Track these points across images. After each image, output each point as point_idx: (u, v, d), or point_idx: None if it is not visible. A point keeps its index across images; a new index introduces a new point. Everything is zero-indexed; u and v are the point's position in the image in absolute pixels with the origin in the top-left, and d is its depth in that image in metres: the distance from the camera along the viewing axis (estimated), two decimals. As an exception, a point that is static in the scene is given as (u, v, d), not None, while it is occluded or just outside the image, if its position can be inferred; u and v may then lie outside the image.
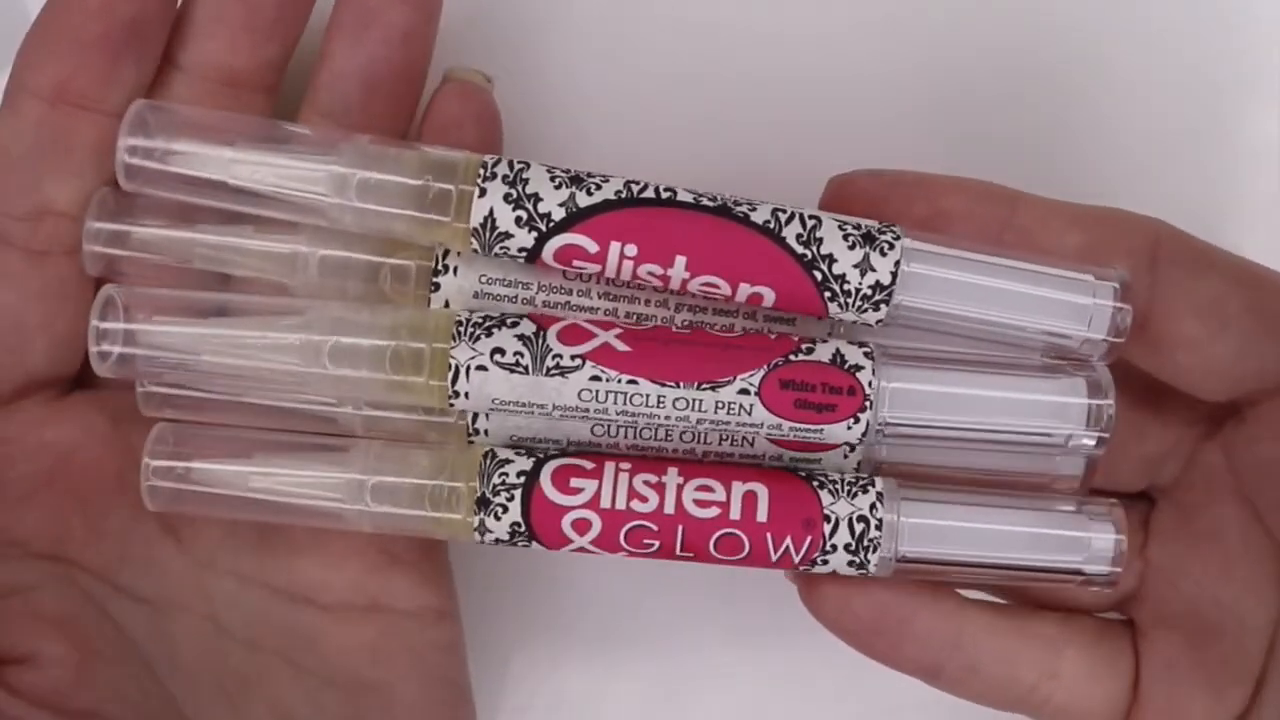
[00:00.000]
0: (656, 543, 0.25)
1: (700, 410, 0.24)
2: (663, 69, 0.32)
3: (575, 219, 0.24)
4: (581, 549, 0.25)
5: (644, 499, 0.25)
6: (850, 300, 0.24)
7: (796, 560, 0.25)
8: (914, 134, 0.32)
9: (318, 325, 0.25)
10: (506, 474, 0.25)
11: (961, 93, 0.32)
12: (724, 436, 0.26)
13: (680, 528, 0.25)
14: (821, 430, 0.25)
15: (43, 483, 0.26)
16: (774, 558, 0.25)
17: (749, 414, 0.24)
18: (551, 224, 0.24)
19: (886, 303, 0.24)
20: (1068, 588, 0.27)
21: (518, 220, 0.24)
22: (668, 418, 0.24)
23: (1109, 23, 0.33)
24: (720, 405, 0.24)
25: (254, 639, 0.27)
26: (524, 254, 0.24)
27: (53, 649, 0.25)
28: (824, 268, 0.24)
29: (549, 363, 0.24)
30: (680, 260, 0.24)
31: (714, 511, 0.25)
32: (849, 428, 0.25)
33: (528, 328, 0.24)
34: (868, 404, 0.24)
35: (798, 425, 0.24)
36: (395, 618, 0.28)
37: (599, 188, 0.24)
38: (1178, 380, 0.26)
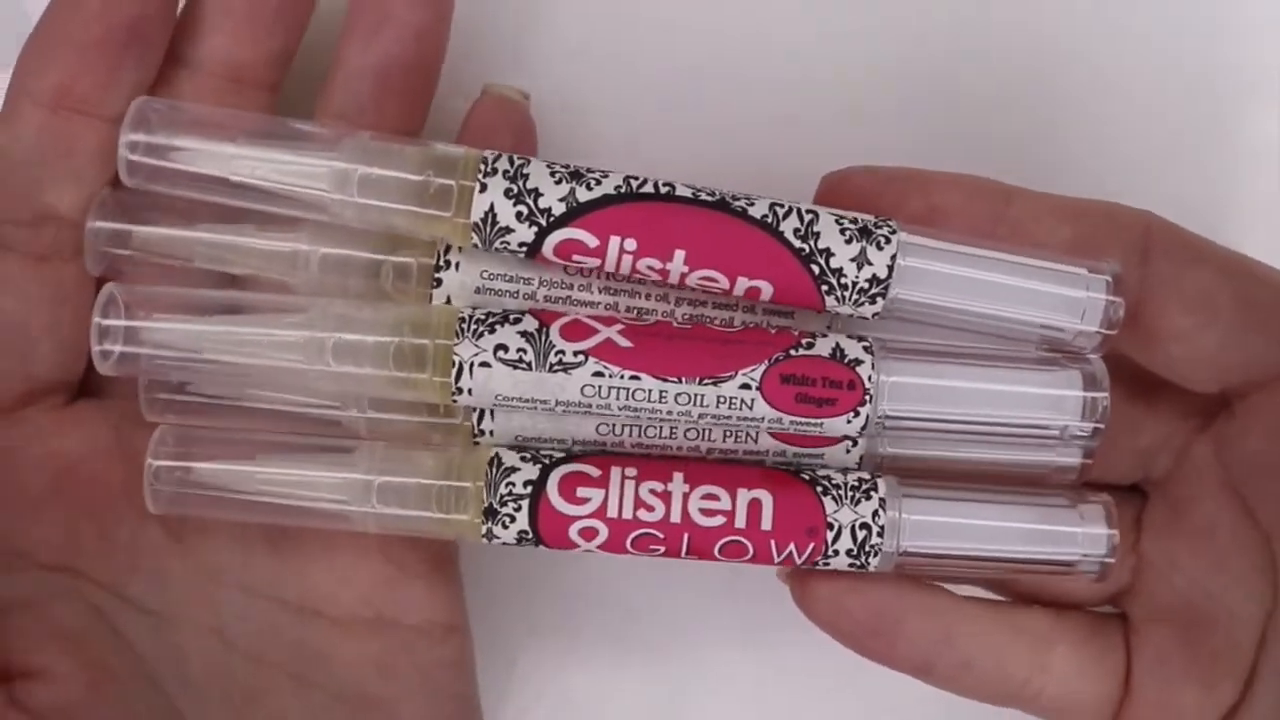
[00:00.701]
0: (662, 548, 0.25)
1: (702, 405, 0.24)
2: (659, 69, 0.32)
3: (575, 213, 0.24)
4: (588, 552, 0.25)
5: (650, 508, 0.25)
6: (847, 294, 0.24)
7: (799, 562, 0.25)
8: (911, 135, 0.32)
9: (321, 322, 0.25)
10: (513, 484, 0.25)
11: (958, 95, 0.33)
12: (728, 433, 0.26)
13: (686, 535, 0.25)
14: (821, 424, 0.25)
15: (50, 492, 0.26)
16: (777, 560, 0.25)
17: (750, 408, 0.25)
18: (552, 219, 0.24)
19: (883, 296, 0.24)
20: (1061, 582, 0.28)
21: (518, 215, 0.24)
22: (670, 413, 0.25)
23: (1108, 24, 0.33)
24: (722, 400, 0.24)
25: (260, 652, 0.27)
26: (524, 248, 0.24)
27: (63, 664, 0.25)
28: (821, 261, 0.24)
29: (552, 359, 0.24)
30: (679, 254, 0.24)
31: (719, 520, 0.25)
32: (849, 421, 0.25)
33: (530, 324, 0.25)
34: (867, 398, 0.25)
35: (798, 419, 0.25)
36: (403, 632, 0.28)
37: (599, 183, 0.24)
38: (1169, 372, 0.26)
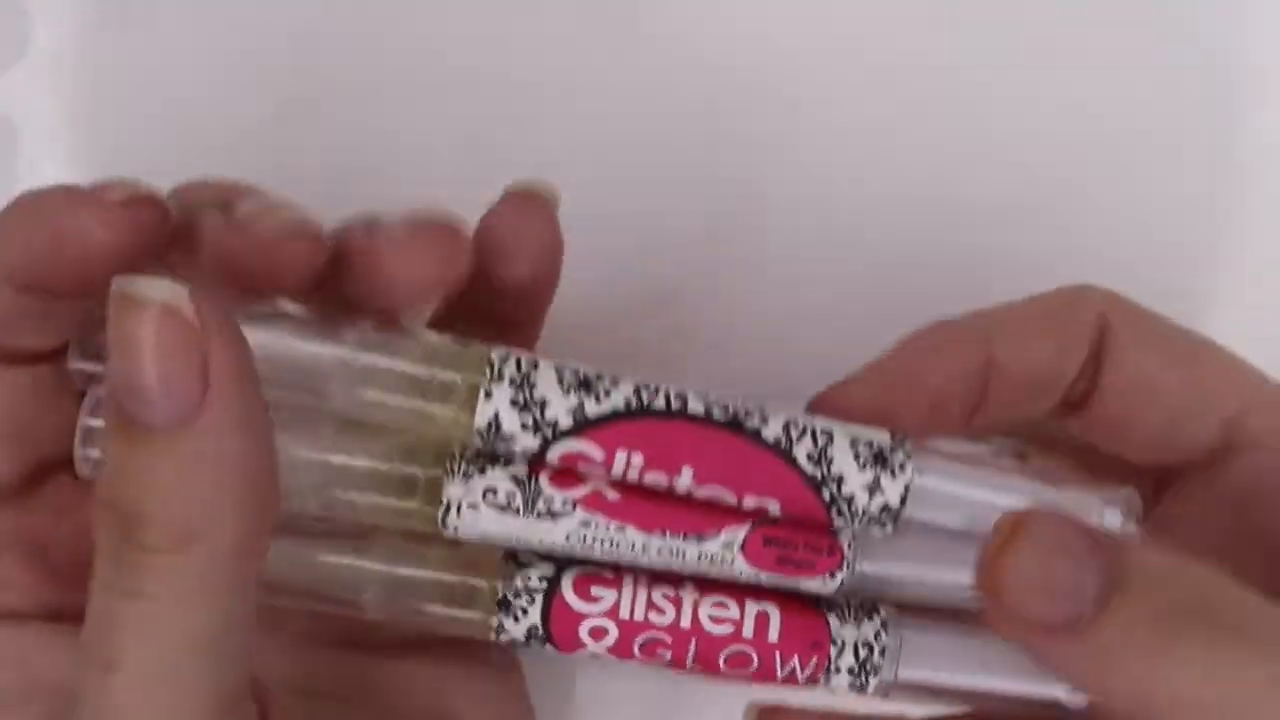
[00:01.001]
0: (669, 654, 0.25)
1: (683, 560, 0.25)
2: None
3: (582, 427, 0.23)
4: (595, 655, 0.26)
5: (661, 611, 0.25)
6: (857, 518, 0.24)
7: (802, 678, 0.26)
8: (917, 144, 0.32)
9: (309, 443, 0.24)
10: (529, 577, 0.25)
11: (962, 99, 0.32)
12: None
13: (694, 641, 0.25)
14: (798, 585, 0.25)
15: (79, 565, 0.24)
16: (780, 675, 0.26)
17: (730, 565, 0.25)
18: (558, 431, 0.23)
19: (894, 522, 0.24)
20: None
21: (523, 425, 0.23)
22: (650, 564, 0.25)
23: (1108, 25, 0.33)
24: (703, 556, 0.25)
25: (311, 688, 0.27)
26: (527, 454, 0.24)
27: None
28: (833, 489, 0.24)
29: (540, 506, 0.24)
30: (687, 470, 0.24)
31: (728, 629, 0.25)
32: (824, 583, 0.25)
33: (520, 469, 0.24)
34: (846, 565, 0.25)
35: (775, 577, 0.25)
36: (450, 646, 0.28)
37: (608, 394, 0.23)
38: (1115, 450, 0.27)
